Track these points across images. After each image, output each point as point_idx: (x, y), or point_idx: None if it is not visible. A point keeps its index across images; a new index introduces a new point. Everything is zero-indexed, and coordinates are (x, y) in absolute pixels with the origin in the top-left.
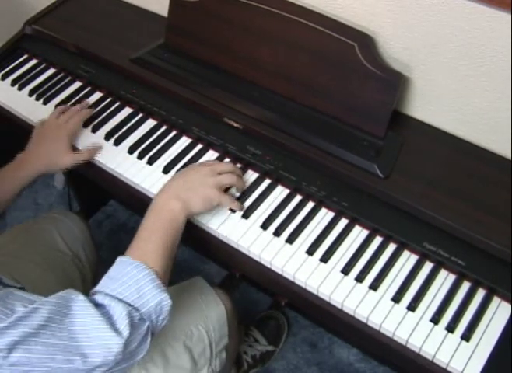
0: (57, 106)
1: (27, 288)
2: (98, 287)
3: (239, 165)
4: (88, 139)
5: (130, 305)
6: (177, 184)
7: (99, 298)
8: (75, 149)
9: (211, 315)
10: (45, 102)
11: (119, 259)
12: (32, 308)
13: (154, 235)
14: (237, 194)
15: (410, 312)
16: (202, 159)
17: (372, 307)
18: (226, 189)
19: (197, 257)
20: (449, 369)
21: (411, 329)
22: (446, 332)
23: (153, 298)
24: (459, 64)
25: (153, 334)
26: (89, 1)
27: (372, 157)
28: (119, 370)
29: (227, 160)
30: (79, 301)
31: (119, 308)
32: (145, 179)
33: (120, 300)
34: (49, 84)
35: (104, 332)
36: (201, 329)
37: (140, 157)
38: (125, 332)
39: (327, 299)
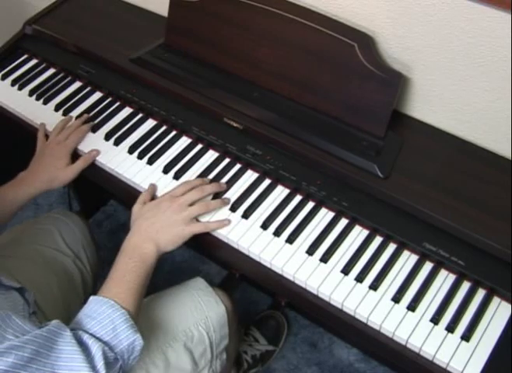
0: (57, 106)
1: (28, 288)
2: (75, 324)
3: (239, 166)
4: (88, 139)
5: (106, 344)
6: (146, 226)
7: (83, 336)
8: (75, 152)
9: (211, 315)
10: (45, 102)
11: (93, 298)
12: (25, 340)
13: (127, 277)
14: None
15: (410, 312)
16: (202, 159)
17: (372, 307)
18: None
19: (197, 257)
20: (449, 369)
21: (411, 329)
22: (446, 332)
23: (126, 338)
24: (459, 64)
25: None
26: (89, 1)
27: (372, 157)
28: None
29: (227, 160)
30: (67, 337)
31: (96, 347)
32: (145, 179)
33: (97, 339)
34: (49, 84)
35: (85, 370)
36: (201, 329)
37: (140, 157)
38: (102, 371)
39: (327, 299)
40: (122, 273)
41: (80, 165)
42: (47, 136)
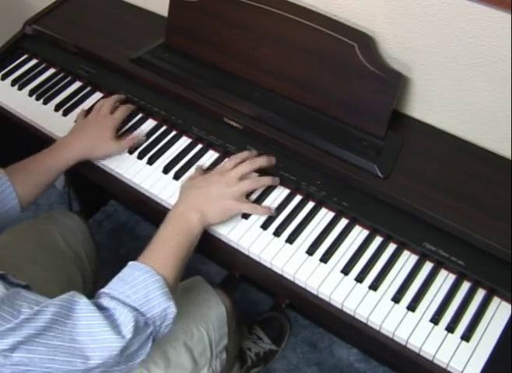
0: (57, 106)
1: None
2: (107, 288)
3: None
4: None
5: (136, 309)
6: (195, 195)
7: (104, 302)
8: None
9: (211, 314)
10: (45, 102)
11: (131, 263)
12: (37, 310)
13: (168, 244)
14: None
15: (410, 312)
16: (202, 159)
17: (372, 307)
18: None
19: (197, 257)
20: (449, 369)
21: (411, 329)
22: (446, 332)
23: (159, 304)
24: (459, 64)
25: (154, 340)
26: (89, 1)
27: (372, 157)
28: (117, 370)
29: (227, 160)
30: (82, 303)
31: (125, 312)
32: (145, 180)
33: (127, 304)
34: (49, 84)
35: (106, 334)
36: (201, 328)
37: (140, 157)
38: (128, 335)
39: (327, 299)
40: (163, 240)
41: (126, 144)
42: None
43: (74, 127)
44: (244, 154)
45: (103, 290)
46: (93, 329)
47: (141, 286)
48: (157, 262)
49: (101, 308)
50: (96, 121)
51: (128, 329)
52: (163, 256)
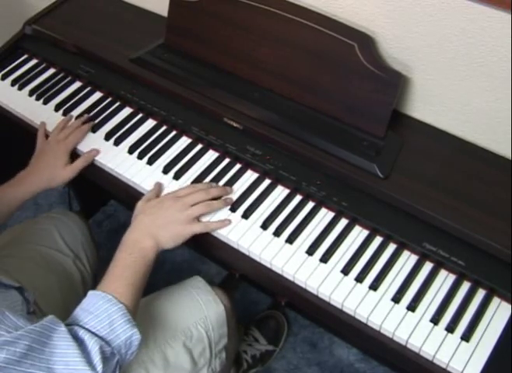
0: (57, 106)
1: (28, 288)
2: (71, 319)
3: (239, 166)
4: (88, 139)
5: (102, 338)
6: (148, 221)
7: (77, 331)
8: (74, 152)
9: (210, 315)
10: (45, 102)
11: (91, 293)
12: (17, 335)
13: (126, 272)
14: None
15: (410, 312)
16: (202, 159)
17: (372, 307)
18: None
19: (197, 257)
20: (449, 369)
21: (411, 329)
22: (446, 332)
23: (124, 332)
24: (459, 64)
25: (121, 367)
26: (89, 1)
27: (372, 157)
28: None
29: (227, 160)
30: (61, 332)
31: (92, 343)
32: (145, 179)
33: (94, 333)
34: (49, 84)
35: (81, 365)
36: (200, 329)
37: (140, 157)
38: (98, 366)
39: (327, 299)
40: (121, 268)
41: (79, 164)
42: (46, 136)
43: (33, 156)
44: (202, 185)
45: (68, 321)
46: (69, 359)
47: (104, 315)
48: (117, 291)
49: (75, 337)
50: (50, 149)
51: (97, 361)
52: (122, 285)
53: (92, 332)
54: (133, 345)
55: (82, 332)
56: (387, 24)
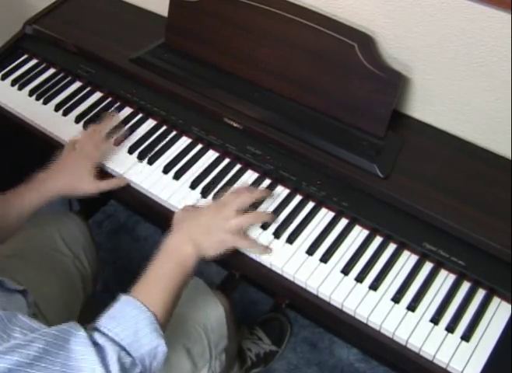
0: (57, 106)
1: (27, 289)
2: (97, 324)
3: (239, 166)
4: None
5: (124, 348)
6: (191, 226)
7: (97, 337)
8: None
9: (209, 316)
10: (45, 102)
11: (124, 298)
12: (31, 338)
13: (162, 279)
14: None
15: (410, 312)
16: (202, 159)
17: (372, 307)
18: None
19: None
20: (449, 369)
21: (411, 329)
22: (446, 332)
23: (149, 342)
24: (459, 64)
25: None
26: (89, 1)
27: (372, 157)
28: None
29: (227, 160)
30: (80, 336)
31: (111, 351)
32: (145, 180)
33: (115, 342)
34: (49, 84)
35: (98, 371)
36: (200, 330)
37: (140, 157)
38: None
39: (327, 299)
40: (157, 274)
41: (106, 186)
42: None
43: (58, 160)
44: (243, 189)
45: (94, 324)
46: (86, 365)
47: (131, 323)
48: (149, 298)
49: (95, 343)
50: (79, 158)
51: (115, 370)
52: (156, 293)
53: (115, 341)
54: (158, 356)
55: (103, 340)
56: (387, 24)
